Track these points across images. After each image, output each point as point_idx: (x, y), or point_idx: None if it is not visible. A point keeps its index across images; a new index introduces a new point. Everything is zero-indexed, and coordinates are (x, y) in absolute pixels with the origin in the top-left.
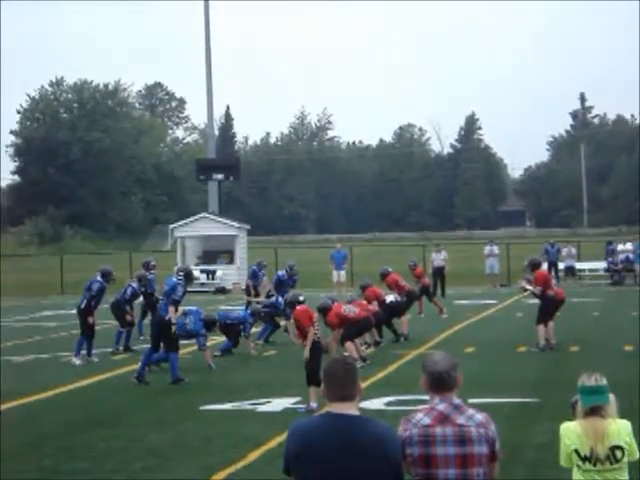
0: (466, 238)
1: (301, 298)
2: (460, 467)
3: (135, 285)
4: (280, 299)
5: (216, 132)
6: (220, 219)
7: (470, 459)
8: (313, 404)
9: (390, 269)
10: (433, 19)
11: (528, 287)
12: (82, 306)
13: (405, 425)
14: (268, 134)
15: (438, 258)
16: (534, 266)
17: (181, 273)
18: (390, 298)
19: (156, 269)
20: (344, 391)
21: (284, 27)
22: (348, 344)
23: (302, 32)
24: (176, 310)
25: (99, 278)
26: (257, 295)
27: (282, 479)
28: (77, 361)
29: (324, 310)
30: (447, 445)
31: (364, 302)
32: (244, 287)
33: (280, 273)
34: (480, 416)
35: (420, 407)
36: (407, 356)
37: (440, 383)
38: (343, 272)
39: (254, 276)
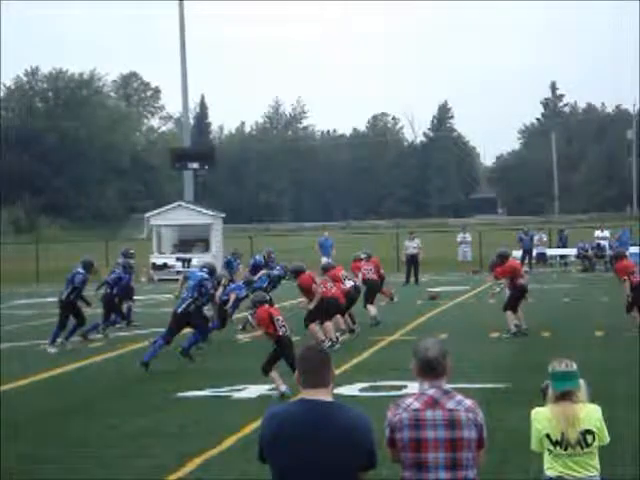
0: (439, 226)
1: (267, 298)
2: (450, 451)
3: (119, 271)
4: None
5: (191, 121)
6: (195, 207)
7: (459, 443)
8: (282, 387)
9: (363, 255)
10: (406, 8)
11: (497, 289)
12: (63, 298)
13: (395, 410)
14: (243, 123)
15: (411, 245)
16: (503, 258)
17: (205, 269)
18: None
19: (134, 257)
20: (318, 378)
21: (258, 16)
22: (312, 326)
23: (277, 21)
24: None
25: (80, 270)
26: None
27: (257, 465)
28: (52, 349)
29: (298, 272)
30: (437, 429)
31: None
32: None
33: (257, 257)
34: (469, 402)
35: (407, 392)
36: (381, 342)
37: (430, 369)
38: (331, 259)
39: (229, 266)
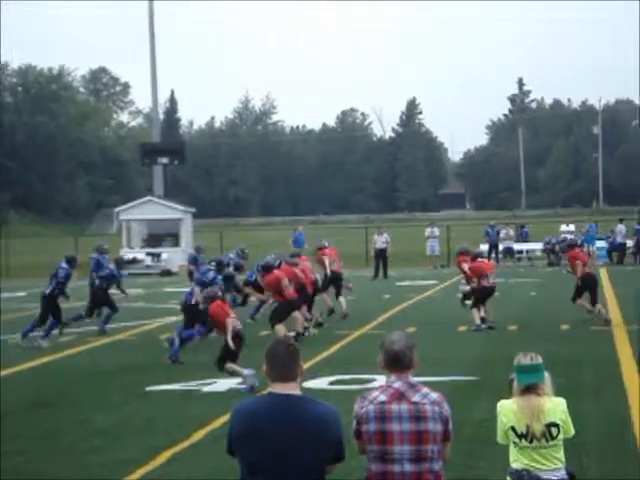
0: (408, 220)
1: (219, 293)
2: (415, 443)
3: (112, 267)
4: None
5: (161, 116)
6: (165, 202)
7: (425, 436)
8: (246, 371)
9: (326, 243)
10: (374, 6)
11: (466, 289)
12: (47, 292)
13: (361, 402)
14: (213, 118)
15: (380, 240)
16: (461, 254)
17: (213, 263)
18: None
19: (108, 252)
20: (286, 371)
21: (228, 11)
22: (278, 327)
23: (246, 16)
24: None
25: (64, 264)
26: None
27: (226, 459)
28: (45, 343)
29: (267, 269)
30: (402, 422)
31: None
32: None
33: (231, 254)
34: (435, 395)
35: (375, 385)
36: (350, 336)
37: (397, 362)
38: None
39: (194, 261)
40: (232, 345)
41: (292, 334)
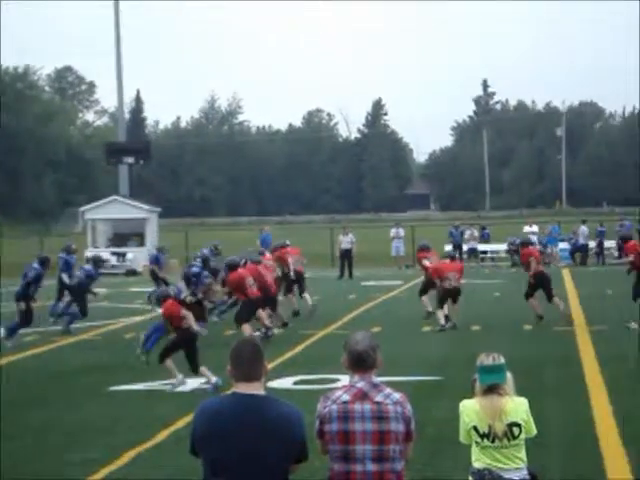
0: (373, 221)
1: (171, 293)
2: (377, 443)
3: (88, 267)
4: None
5: (126, 116)
6: (131, 202)
7: (387, 436)
8: (179, 376)
9: (288, 242)
10: (340, 4)
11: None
12: (19, 291)
13: (324, 402)
14: (179, 118)
15: (345, 240)
16: (421, 250)
17: (198, 259)
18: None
19: (76, 253)
20: (250, 371)
21: (193, 11)
22: (245, 326)
23: (212, 16)
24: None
25: (36, 265)
26: (162, 279)
27: (190, 459)
28: (9, 343)
29: (232, 267)
30: (365, 421)
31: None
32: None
33: (205, 250)
34: (397, 395)
35: (339, 385)
36: (315, 336)
37: (360, 362)
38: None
39: (157, 261)
40: (198, 330)
41: (258, 334)
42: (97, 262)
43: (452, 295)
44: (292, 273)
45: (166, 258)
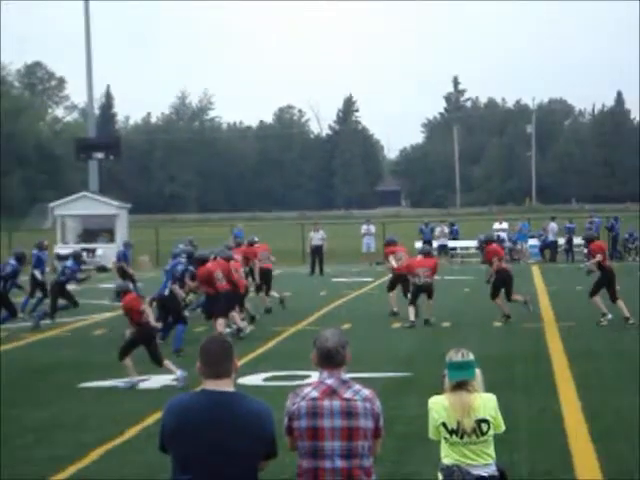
0: (344, 217)
1: (131, 287)
2: (346, 440)
3: (70, 264)
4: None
5: (96, 111)
6: (100, 198)
7: (356, 432)
8: (134, 379)
9: (256, 239)
10: (311, 4)
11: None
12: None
13: (293, 399)
14: (149, 114)
15: (316, 237)
16: (389, 244)
17: (184, 255)
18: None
19: (48, 249)
20: (220, 368)
21: (164, 7)
22: (219, 321)
23: (183, 12)
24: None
25: (12, 261)
26: (130, 275)
27: (159, 456)
28: None
29: (202, 261)
30: (334, 418)
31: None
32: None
33: (181, 246)
34: (367, 391)
35: (308, 381)
36: (285, 332)
37: (329, 359)
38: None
39: (124, 257)
40: (157, 325)
41: (229, 330)
42: (78, 257)
43: (424, 291)
44: (257, 270)
45: (132, 254)
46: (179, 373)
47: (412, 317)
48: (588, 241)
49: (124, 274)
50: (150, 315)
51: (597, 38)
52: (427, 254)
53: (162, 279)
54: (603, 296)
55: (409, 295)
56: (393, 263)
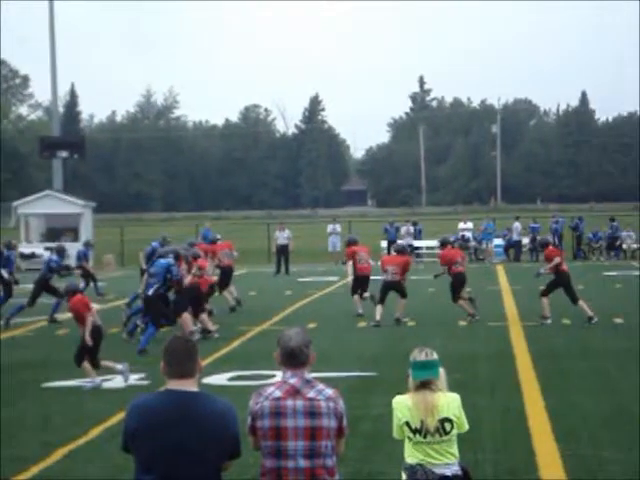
0: (310, 217)
1: (81, 287)
2: (309, 439)
3: (55, 258)
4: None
5: (61, 110)
6: (64, 197)
7: (319, 432)
8: (97, 380)
9: (218, 236)
10: (277, 2)
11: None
12: None
13: (256, 398)
14: (114, 112)
15: (282, 236)
16: (348, 243)
17: (171, 255)
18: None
19: (17, 248)
20: (183, 368)
21: (129, 5)
22: (184, 315)
23: (147, 9)
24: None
25: None
26: (91, 275)
27: (123, 456)
28: None
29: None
30: (297, 417)
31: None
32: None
33: (154, 244)
34: (330, 391)
35: (272, 381)
36: (250, 332)
37: (293, 358)
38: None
39: (84, 256)
40: (89, 341)
41: (196, 328)
42: (61, 251)
43: (392, 289)
44: (212, 268)
45: (96, 253)
46: (120, 366)
47: (378, 316)
48: (543, 246)
49: (85, 274)
50: (96, 315)
51: (562, 38)
52: (400, 252)
53: (146, 280)
54: (554, 298)
55: (365, 294)
56: (349, 271)
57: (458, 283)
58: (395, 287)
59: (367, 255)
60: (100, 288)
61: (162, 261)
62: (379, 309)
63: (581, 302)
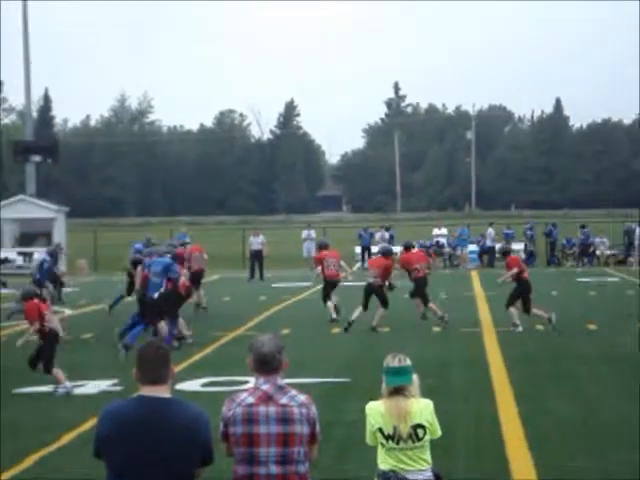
0: (285, 222)
1: (38, 292)
2: (281, 446)
3: (48, 259)
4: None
5: (34, 114)
6: (38, 201)
7: (291, 438)
8: (67, 384)
9: (187, 240)
10: (251, 7)
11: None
12: None
13: (229, 405)
14: (88, 116)
15: (256, 241)
16: (319, 247)
17: (169, 255)
18: None
19: None
20: (156, 374)
21: (103, 8)
22: (162, 323)
23: (121, 14)
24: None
25: None
26: (60, 281)
27: (95, 462)
28: None
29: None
30: (270, 424)
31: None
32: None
33: (137, 245)
34: (302, 397)
35: (245, 387)
36: (224, 338)
37: (265, 364)
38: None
39: (53, 258)
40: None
41: (189, 333)
42: (53, 254)
43: (373, 292)
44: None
45: (67, 258)
46: (68, 384)
47: (353, 317)
48: (504, 254)
49: (54, 278)
50: (55, 321)
51: (536, 45)
52: (384, 254)
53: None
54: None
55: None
56: (318, 271)
57: (420, 288)
58: (376, 292)
59: (337, 260)
60: (62, 293)
61: (163, 260)
62: (358, 310)
63: (534, 310)
